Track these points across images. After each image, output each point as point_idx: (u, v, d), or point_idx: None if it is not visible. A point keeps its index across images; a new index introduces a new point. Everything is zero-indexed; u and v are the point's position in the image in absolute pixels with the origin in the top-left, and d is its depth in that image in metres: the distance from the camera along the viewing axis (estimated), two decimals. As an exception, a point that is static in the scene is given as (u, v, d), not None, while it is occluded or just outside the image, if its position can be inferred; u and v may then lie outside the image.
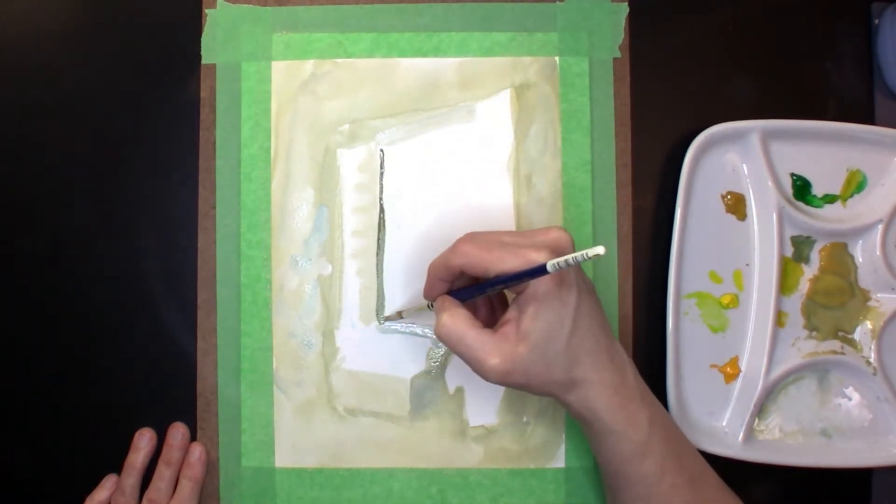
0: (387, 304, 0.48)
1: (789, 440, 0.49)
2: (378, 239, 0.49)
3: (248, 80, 0.48)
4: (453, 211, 0.48)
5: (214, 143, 0.48)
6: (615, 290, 0.48)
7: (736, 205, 0.49)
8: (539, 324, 0.37)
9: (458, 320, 0.38)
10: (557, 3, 0.49)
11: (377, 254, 0.48)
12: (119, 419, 0.48)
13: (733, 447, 0.47)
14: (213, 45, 0.49)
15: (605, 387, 0.39)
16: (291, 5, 0.49)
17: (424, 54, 0.49)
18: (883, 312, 0.49)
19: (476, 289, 0.39)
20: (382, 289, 0.48)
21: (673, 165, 0.48)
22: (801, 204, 0.49)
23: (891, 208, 0.48)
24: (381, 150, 0.49)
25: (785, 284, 0.49)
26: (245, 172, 0.48)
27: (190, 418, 0.48)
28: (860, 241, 0.49)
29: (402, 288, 0.48)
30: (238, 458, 0.48)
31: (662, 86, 0.49)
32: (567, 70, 0.49)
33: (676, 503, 0.39)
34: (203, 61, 0.49)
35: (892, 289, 0.48)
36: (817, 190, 0.49)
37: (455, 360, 0.48)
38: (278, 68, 0.48)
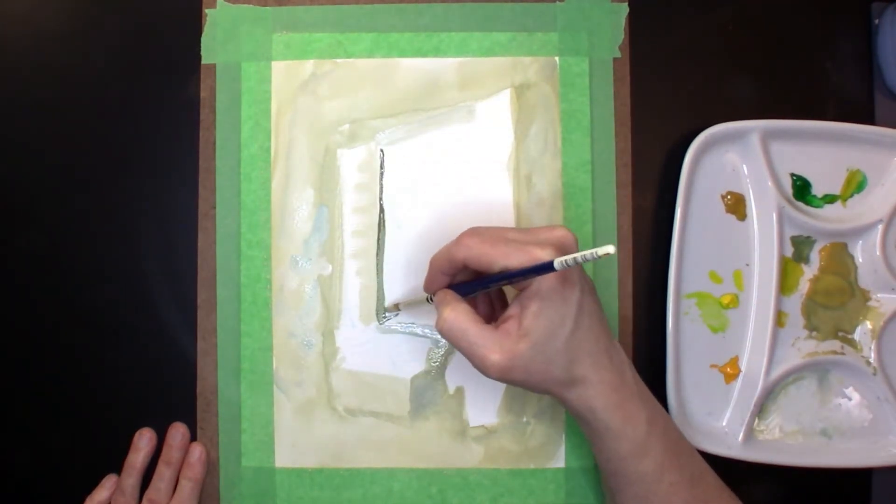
0: (387, 303, 0.48)
1: (789, 440, 0.49)
2: (378, 239, 0.49)
3: (248, 80, 0.48)
4: (453, 211, 0.48)
5: (214, 143, 0.48)
6: (615, 290, 0.48)
7: (736, 205, 0.49)
8: (541, 321, 0.37)
9: (460, 315, 0.38)
10: (557, 3, 0.49)
11: (377, 254, 0.48)
12: (119, 419, 0.48)
13: (733, 447, 0.47)
14: (213, 45, 0.49)
15: (604, 385, 0.39)
16: (291, 5, 0.49)
17: (424, 54, 0.49)
18: (883, 312, 0.49)
19: (478, 283, 0.39)
20: (382, 289, 0.48)
21: (673, 165, 0.48)
22: (801, 204, 0.49)
23: (891, 208, 0.48)
24: (381, 150, 0.49)
25: (785, 284, 0.49)
26: (245, 172, 0.48)
27: (190, 418, 0.48)
28: (860, 241, 0.49)
29: (402, 288, 0.48)
30: (238, 458, 0.48)
31: (662, 86, 0.49)
32: (567, 70, 0.49)
33: (675, 502, 0.39)
34: (203, 61, 0.49)
35: (892, 289, 0.48)
36: (817, 190, 0.49)
37: (455, 360, 0.48)
38: (278, 68, 0.48)
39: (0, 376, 0.49)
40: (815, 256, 0.49)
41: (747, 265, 0.49)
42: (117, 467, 0.47)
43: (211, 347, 0.48)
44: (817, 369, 0.49)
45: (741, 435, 0.47)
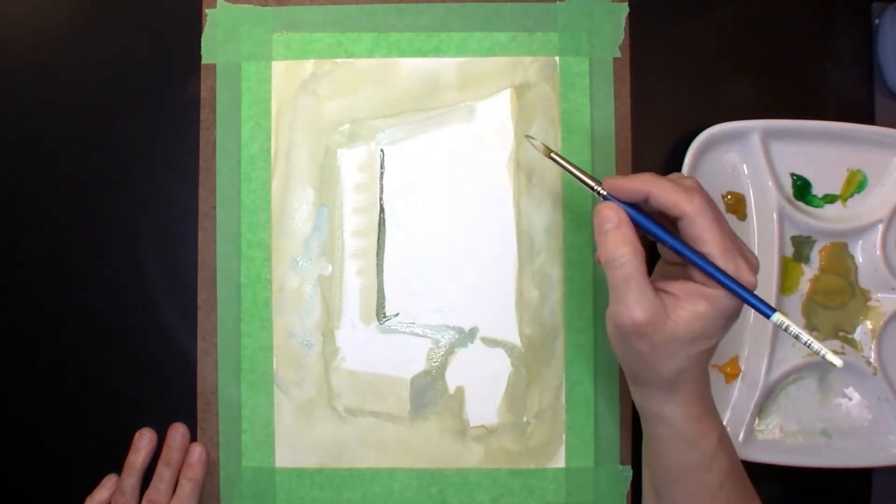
0: (387, 303, 0.48)
1: (789, 440, 0.49)
2: (378, 239, 0.49)
3: (248, 80, 0.48)
4: (453, 211, 0.48)
5: (214, 143, 0.48)
6: (615, 290, 0.48)
7: (736, 205, 0.49)
8: (698, 325, 0.36)
9: (638, 260, 0.36)
10: (557, 3, 0.49)
11: (377, 254, 0.48)
12: (119, 419, 0.48)
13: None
14: (213, 45, 0.49)
15: (690, 396, 0.38)
16: (291, 5, 0.49)
17: (424, 54, 0.49)
18: (883, 312, 0.49)
19: (670, 239, 0.37)
20: (382, 289, 0.48)
21: (673, 165, 0.48)
22: (801, 204, 0.49)
23: (891, 208, 0.48)
24: (381, 150, 0.49)
25: (785, 284, 0.49)
26: (245, 172, 0.48)
27: (190, 418, 0.48)
28: (860, 241, 0.49)
29: (403, 288, 0.48)
30: (238, 458, 0.48)
31: (662, 86, 0.49)
32: (567, 70, 0.49)
33: None
34: (203, 61, 0.49)
35: (892, 289, 0.48)
36: (817, 190, 0.49)
37: (455, 360, 0.48)
38: (278, 68, 0.48)
39: (0, 376, 0.49)
40: (815, 256, 0.49)
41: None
42: (117, 467, 0.47)
43: (211, 347, 0.48)
44: (817, 369, 0.49)
45: (741, 435, 0.47)
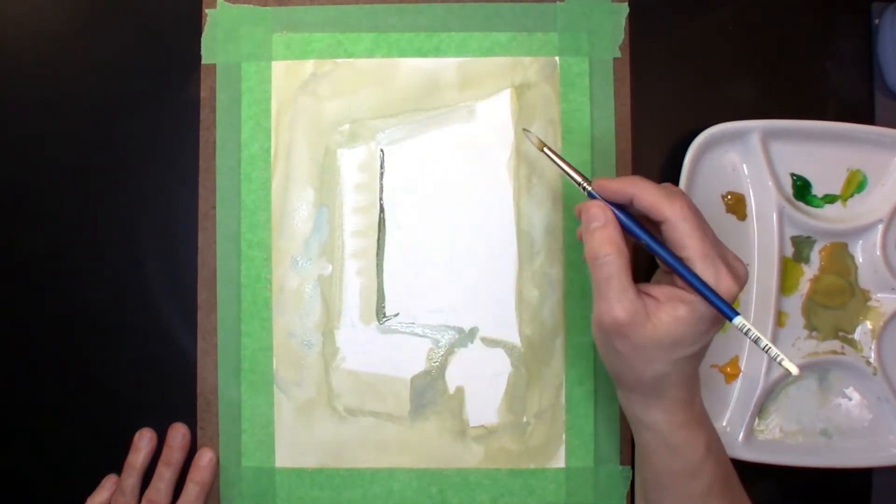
0: (387, 304, 0.48)
1: (789, 440, 0.49)
2: (378, 239, 0.49)
3: (248, 80, 0.48)
4: (453, 211, 0.48)
5: (214, 143, 0.48)
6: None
7: (736, 205, 0.49)
8: (678, 329, 0.36)
9: (622, 260, 0.37)
10: (557, 3, 0.49)
11: (377, 254, 0.48)
12: (119, 419, 0.48)
13: (733, 447, 0.47)
14: (213, 45, 0.49)
15: (676, 403, 0.38)
16: (291, 5, 0.49)
17: (424, 54, 0.49)
18: (883, 312, 0.49)
19: (651, 242, 0.37)
20: (382, 289, 0.48)
21: (673, 165, 0.48)
22: (801, 204, 0.49)
23: (891, 208, 0.48)
24: (381, 150, 0.49)
25: (785, 284, 0.49)
26: (245, 172, 0.48)
27: (190, 418, 0.48)
28: (860, 241, 0.49)
29: (403, 288, 0.48)
30: (238, 458, 0.48)
31: (662, 86, 0.49)
32: (567, 70, 0.49)
33: None
34: (203, 61, 0.49)
35: (892, 289, 0.48)
36: (817, 190, 0.49)
37: (455, 360, 0.48)
38: (278, 68, 0.48)
39: (0, 376, 0.49)
40: (815, 256, 0.49)
41: (747, 265, 0.48)
42: (117, 467, 0.47)
43: (211, 347, 0.48)
44: (817, 369, 0.49)
45: (741, 435, 0.47)
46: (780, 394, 0.49)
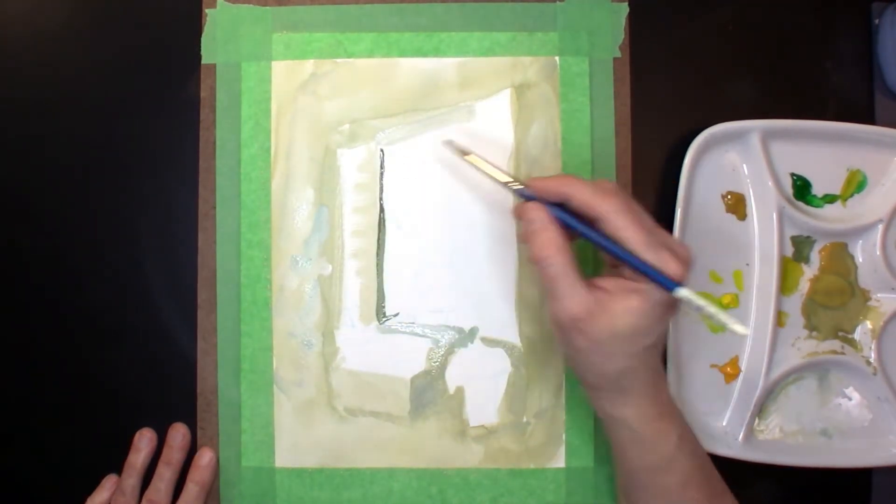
0: (387, 303, 0.48)
1: (789, 440, 0.49)
2: (378, 239, 0.49)
3: (248, 80, 0.48)
4: (453, 211, 0.48)
5: (214, 143, 0.48)
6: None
7: (736, 205, 0.49)
8: (632, 320, 0.36)
9: (565, 258, 0.37)
10: (557, 3, 0.49)
11: (377, 254, 0.48)
12: (119, 419, 0.48)
13: (733, 447, 0.47)
14: (213, 45, 0.49)
15: (643, 397, 0.39)
16: (291, 5, 0.49)
17: (424, 54, 0.49)
18: (883, 312, 0.49)
19: (592, 235, 0.38)
20: (382, 289, 0.48)
21: (673, 165, 0.48)
22: (801, 204, 0.49)
23: (891, 208, 0.48)
24: (381, 150, 0.49)
25: (785, 284, 0.49)
26: (245, 172, 0.48)
27: (190, 418, 0.48)
28: (860, 241, 0.49)
29: (403, 288, 0.48)
30: (238, 458, 0.48)
31: (662, 86, 0.49)
32: (567, 70, 0.49)
33: None
34: (203, 61, 0.49)
35: (892, 289, 0.48)
36: (817, 190, 0.49)
37: (455, 360, 0.48)
38: (278, 68, 0.48)
39: (0, 376, 0.49)
40: (815, 256, 0.49)
41: (747, 265, 0.49)
42: (117, 467, 0.47)
43: (211, 347, 0.48)
44: (817, 369, 0.49)
45: (741, 435, 0.47)
46: (780, 394, 0.49)
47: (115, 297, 0.49)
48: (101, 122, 0.49)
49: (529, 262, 0.38)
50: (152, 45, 0.49)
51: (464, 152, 0.43)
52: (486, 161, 0.42)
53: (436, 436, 0.48)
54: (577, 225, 0.38)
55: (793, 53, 0.50)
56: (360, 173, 0.49)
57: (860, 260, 0.49)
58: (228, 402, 0.48)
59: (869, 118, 0.50)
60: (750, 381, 0.48)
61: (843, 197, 0.49)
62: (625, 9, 0.49)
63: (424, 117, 0.49)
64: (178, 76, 0.49)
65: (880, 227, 0.48)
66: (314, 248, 0.48)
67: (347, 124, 0.49)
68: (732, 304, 0.48)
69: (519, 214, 0.40)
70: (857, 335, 0.49)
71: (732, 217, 0.49)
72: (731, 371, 0.48)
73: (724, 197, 0.49)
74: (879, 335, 0.48)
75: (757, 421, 0.48)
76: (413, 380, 0.48)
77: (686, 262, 0.37)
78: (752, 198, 0.49)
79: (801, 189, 0.49)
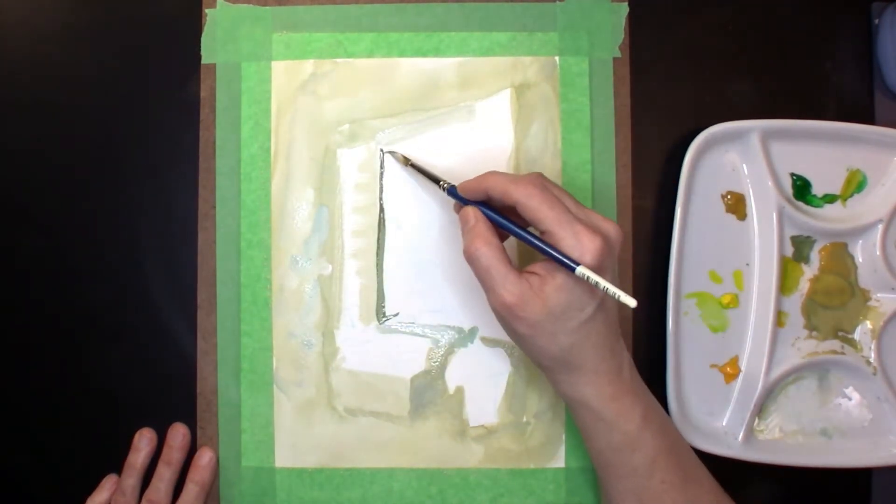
0: (387, 303, 0.48)
1: (789, 440, 0.49)
2: (378, 239, 0.49)
3: (248, 80, 0.48)
4: (453, 211, 0.48)
5: (214, 143, 0.48)
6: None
7: (736, 205, 0.49)
8: (562, 296, 0.37)
9: (493, 250, 0.38)
10: (557, 2, 0.49)
11: (377, 254, 0.48)
12: (119, 419, 0.48)
13: (733, 447, 0.47)
14: (213, 45, 0.49)
15: (599, 376, 0.39)
16: (291, 5, 0.49)
17: (424, 54, 0.49)
18: (883, 312, 0.49)
19: (512, 227, 0.39)
20: (382, 289, 0.48)
21: (673, 165, 0.48)
22: (801, 204, 0.49)
23: (891, 208, 0.48)
24: (381, 150, 0.49)
25: (785, 284, 0.49)
26: (245, 172, 0.48)
27: (190, 418, 0.48)
28: (860, 241, 0.49)
29: (403, 288, 0.48)
30: (238, 458, 0.48)
31: (662, 86, 0.49)
32: (567, 70, 0.49)
33: (666, 500, 0.40)
34: (203, 61, 0.49)
35: (892, 289, 0.48)
36: (817, 190, 0.49)
37: (455, 360, 0.48)
38: (278, 68, 0.48)
39: (0, 376, 0.49)
40: (815, 256, 0.49)
41: (747, 265, 0.49)
42: (117, 467, 0.47)
43: (211, 347, 0.48)
44: (817, 369, 0.49)
45: (741, 435, 0.47)
46: (780, 394, 0.49)
47: (115, 297, 0.49)
48: (101, 122, 0.49)
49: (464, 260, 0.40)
50: (152, 45, 0.49)
51: (406, 160, 0.47)
52: (423, 169, 0.46)
53: (435, 436, 0.48)
54: (498, 218, 0.40)
55: (793, 53, 0.50)
56: (360, 173, 0.49)
57: (860, 260, 0.49)
58: (228, 402, 0.48)
59: (869, 118, 0.50)
60: (750, 381, 0.48)
61: (843, 197, 0.49)
62: (625, 9, 0.49)
63: (424, 117, 0.49)
64: (178, 76, 0.49)
65: (880, 227, 0.48)
66: (314, 248, 0.48)
67: (347, 124, 0.49)
68: (732, 304, 0.48)
69: (458, 214, 0.41)
70: (857, 335, 0.49)
71: (732, 217, 0.49)
72: (730, 371, 0.48)
73: (724, 197, 0.49)
74: (879, 335, 0.48)
75: (757, 421, 0.48)
76: (413, 380, 0.48)
77: (607, 234, 0.38)
78: (752, 198, 0.49)
79: (801, 189, 0.49)
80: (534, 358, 0.41)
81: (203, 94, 0.48)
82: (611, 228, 0.38)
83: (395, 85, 0.49)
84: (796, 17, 0.50)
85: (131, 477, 0.47)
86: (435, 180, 0.44)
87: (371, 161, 0.49)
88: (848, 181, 0.49)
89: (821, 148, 0.48)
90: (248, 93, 0.48)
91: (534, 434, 0.48)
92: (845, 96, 0.50)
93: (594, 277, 0.36)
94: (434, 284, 0.48)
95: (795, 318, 0.49)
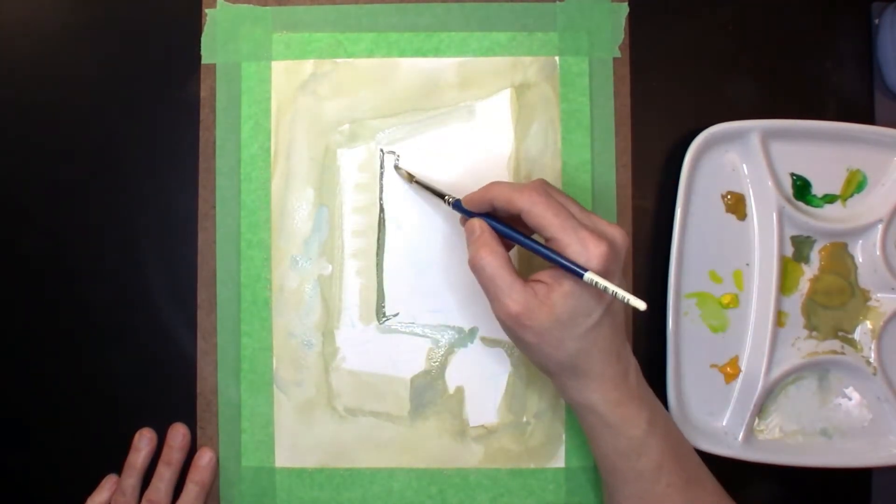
0: (387, 303, 0.48)
1: (789, 440, 0.49)
2: (378, 239, 0.49)
3: (248, 80, 0.48)
4: (453, 211, 0.48)
5: (214, 143, 0.48)
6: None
7: (736, 205, 0.49)
8: (569, 303, 0.37)
9: (496, 260, 0.38)
10: (557, 2, 0.49)
11: (377, 254, 0.48)
12: (119, 419, 0.48)
13: (733, 447, 0.47)
14: (213, 45, 0.49)
15: (605, 381, 0.39)
16: (291, 5, 0.49)
17: (424, 54, 0.49)
18: (883, 312, 0.49)
19: (518, 237, 0.39)
20: (382, 289, 0.48)
21: (673, 165, 0.48)
22: (801, 204, 0.49)
23: (891, 208, 0.48)
24: (381, 150, 0.49)
25: (785, 284, 0.49)
26: (245, 172, 0.48)
27: (190, 418, 0.48)
28: (860, 241, 0.49)
29: (403, 288, 0.48)
30: (238, 458, 0.48)
31: (662, 86, 0.49)
32: (567, 70, 0.49)
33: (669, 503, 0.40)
34: (203, 61, 0.49)
35: (892, 289, 0.48)
36: (817, 190, 0.49)
37: (455, 360, 0.48)
38: (278, 68, 0.48)
39: (0, 376, 0.49)
40: (815, 256, 0.49)
41: (747, 265, 0.49)
42: (117, 467, 0.47)
43: (211, 347, 0.48)
44: (817, 369, 0.49)
45: (741, 435, 0.47)
46: (780, 394, 0.49)
47: (115, 298, 0.49)
48: (101, 122, 0.49)
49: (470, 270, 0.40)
50: (152, 45, 0.49)
51: (410, 176, 0.47)
52: (428, 185, 0.46)
53: (436, 436, 0.48)
54: (504, 228, 0.40)
55: (793, 53, 0.50)
56: (360, 173, 0.49)
57: (860, 260, 0.49)
58: (228, 402, 0.48)
59: (869, 118, 0.50)
60: (750, 381, 0.48)
61: (843, 197, 0.49)
62: (625, 9, 0.49)
63: (424, 117, 0.49)
64: (178, 76, 0.49)
65: (880, 227, 0.48)
66: (314, 248, 0.48)
67: (347, 124, 0.49)
68: (732, 304, 0.48)
69: (464, 227, 0.41)
70: (857, 335, 0.49)
71: (732, 217, 0.49)
72: (730, 371, 0.48)
73: (723, 197, 0.49)
74: (879, 335, 0.48)
75: (757, 421, 0.48)
76: (413, 380, 0.48)
77: (613, 240, 0.38)
78: (752, 198, 0.49)
79: (801, 189, 0.49)
80: (539, 365, 0.40)
81: (203, 94, 0.48)
82: (616, 233, 0.38)
83: (395, 85, 0.49)
84: (796, 17, 0.50)
85: (131, 477, 0.47)
86: (440, 195, 0.44)
87: (371, 161, 0.49)
88: (848, 181, 0.49)
89: (821, 148, 0.48)
90: (248, 93, 0.48)
91: (534, 434, 0.48)
92: (845, 96, 0.50)
93: (602, 282, 0.36)
94: (434, 284, 0.48)
95: (795, 318, 0.49)
